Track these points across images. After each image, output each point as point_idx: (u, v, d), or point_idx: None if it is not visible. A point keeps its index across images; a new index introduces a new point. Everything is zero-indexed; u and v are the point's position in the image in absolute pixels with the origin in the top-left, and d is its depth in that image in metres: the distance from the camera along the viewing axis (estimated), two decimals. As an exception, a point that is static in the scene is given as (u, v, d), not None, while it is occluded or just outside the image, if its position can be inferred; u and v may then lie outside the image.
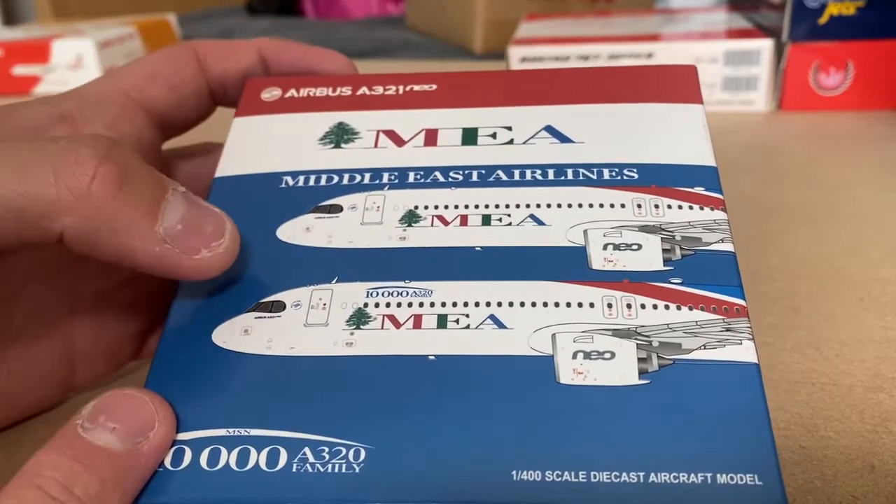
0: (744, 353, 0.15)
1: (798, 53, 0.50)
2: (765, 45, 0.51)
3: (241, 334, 0.17)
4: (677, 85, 0.21)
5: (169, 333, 0.18)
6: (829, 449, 0.20)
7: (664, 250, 0.17)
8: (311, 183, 0.20)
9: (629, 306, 0.16)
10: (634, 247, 0.17)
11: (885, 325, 0.25)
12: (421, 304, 0.17)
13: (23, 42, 0.62)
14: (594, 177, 0.19)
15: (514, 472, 0.14)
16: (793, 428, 0.21)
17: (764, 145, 0.45)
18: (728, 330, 0.16)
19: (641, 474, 0.14)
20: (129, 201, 0.15)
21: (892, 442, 0.20)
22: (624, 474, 0.14)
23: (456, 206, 0.19)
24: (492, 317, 0.17)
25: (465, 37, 0.79)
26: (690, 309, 0.16)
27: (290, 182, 0.20)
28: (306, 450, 0.15)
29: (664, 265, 0.17)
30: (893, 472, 0.19)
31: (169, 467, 0.15)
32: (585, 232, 0.18)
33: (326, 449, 0.15)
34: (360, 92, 0.22)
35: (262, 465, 0.15)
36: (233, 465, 0.15)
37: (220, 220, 0.17)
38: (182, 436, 0.16)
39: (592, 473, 0.14)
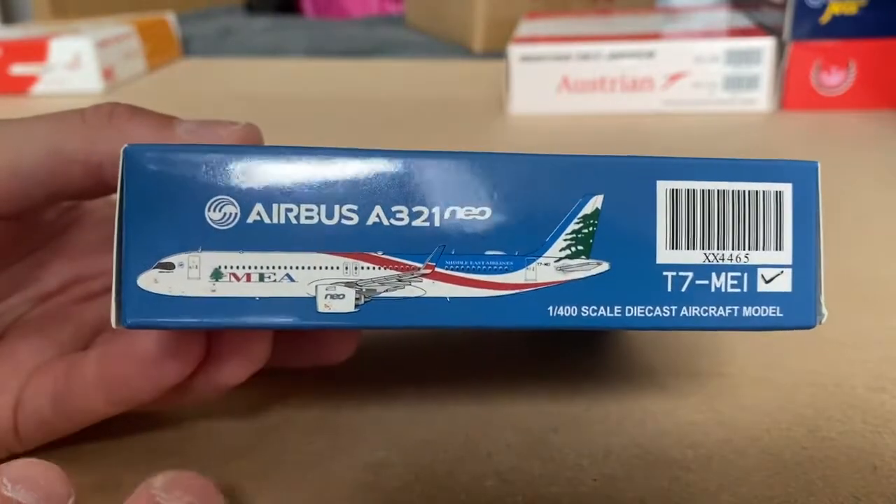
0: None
1: (800, 52, 0.50)
2: (766, 44, 0.50)
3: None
4: None
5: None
6: (831, 450, 0.20)
7: None
8: None
9: None
10: None
11: (886, 326, 0.25)
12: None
13: (20, 41, 0.62)
14: None
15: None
16: (795, 429, 0.20)
17: (765, 145, 0.45)
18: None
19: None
20: (145, 121, 0.18)
21: (894, 442, 0.20)
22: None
23: None
24: None
25: (465, 36, 0.78)
26: None
27: None
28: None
29: None
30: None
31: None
32: None
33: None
34: None
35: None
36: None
37: (229, 120, 0.18)
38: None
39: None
